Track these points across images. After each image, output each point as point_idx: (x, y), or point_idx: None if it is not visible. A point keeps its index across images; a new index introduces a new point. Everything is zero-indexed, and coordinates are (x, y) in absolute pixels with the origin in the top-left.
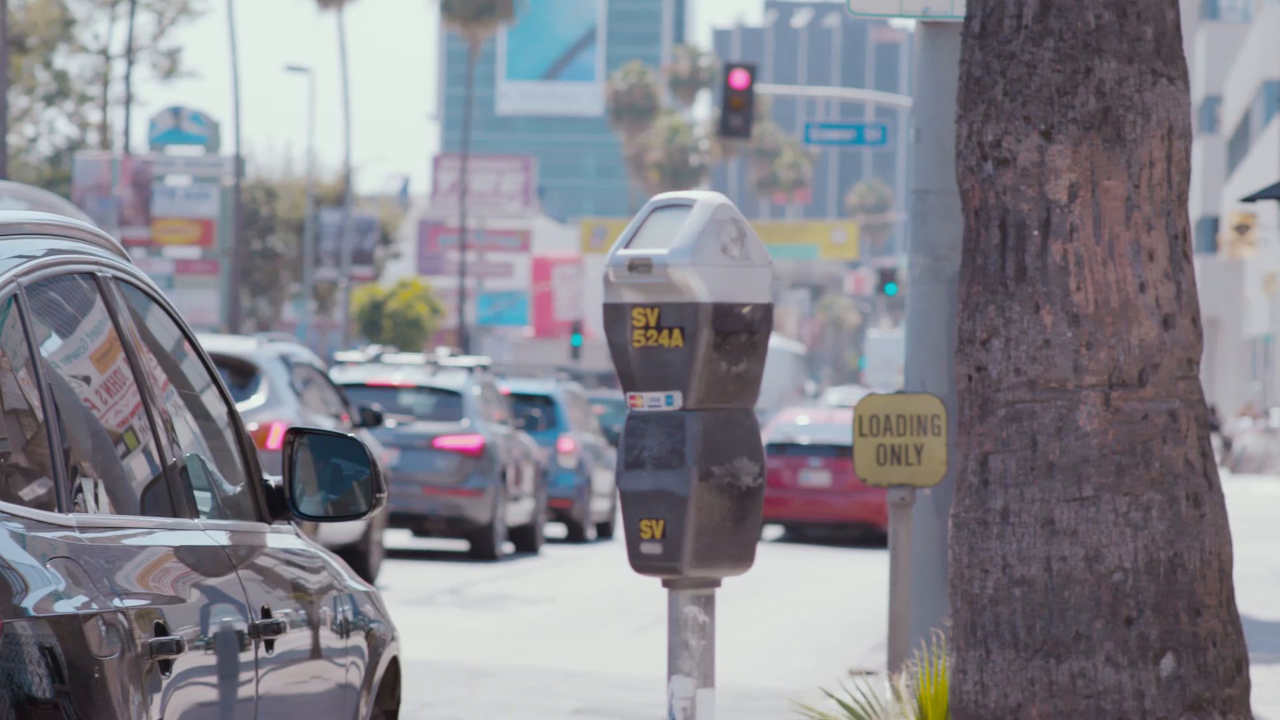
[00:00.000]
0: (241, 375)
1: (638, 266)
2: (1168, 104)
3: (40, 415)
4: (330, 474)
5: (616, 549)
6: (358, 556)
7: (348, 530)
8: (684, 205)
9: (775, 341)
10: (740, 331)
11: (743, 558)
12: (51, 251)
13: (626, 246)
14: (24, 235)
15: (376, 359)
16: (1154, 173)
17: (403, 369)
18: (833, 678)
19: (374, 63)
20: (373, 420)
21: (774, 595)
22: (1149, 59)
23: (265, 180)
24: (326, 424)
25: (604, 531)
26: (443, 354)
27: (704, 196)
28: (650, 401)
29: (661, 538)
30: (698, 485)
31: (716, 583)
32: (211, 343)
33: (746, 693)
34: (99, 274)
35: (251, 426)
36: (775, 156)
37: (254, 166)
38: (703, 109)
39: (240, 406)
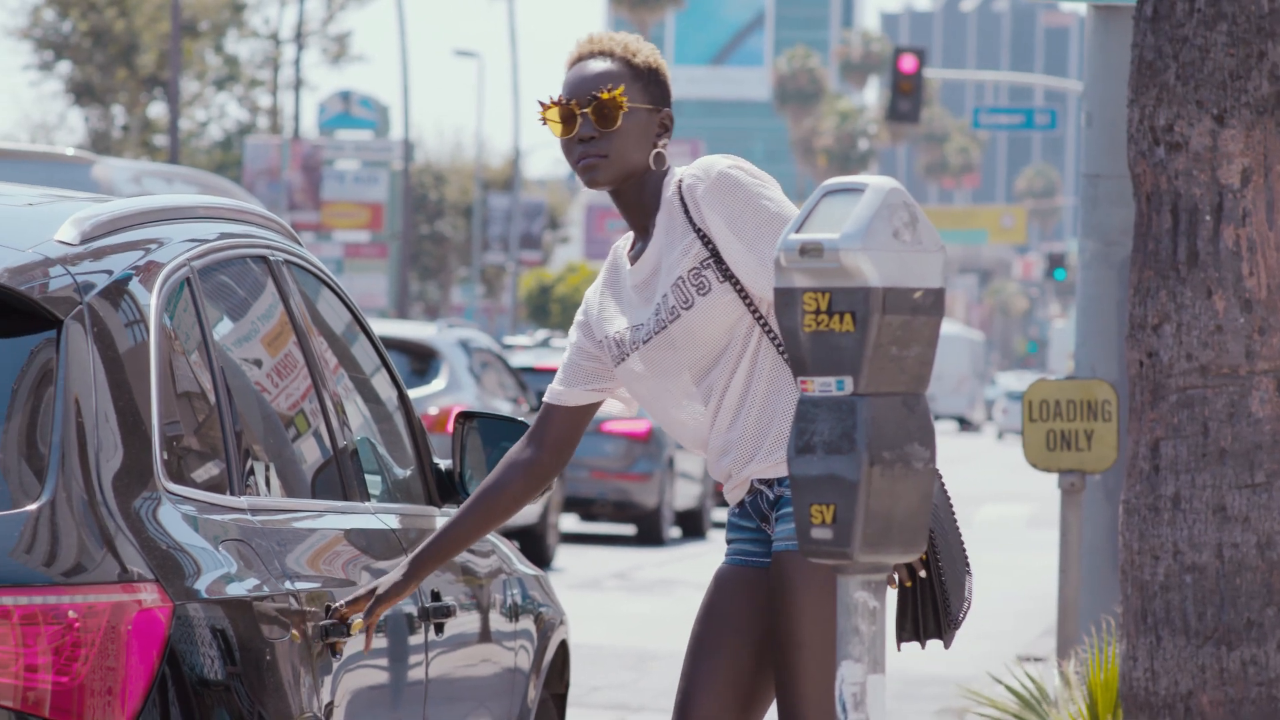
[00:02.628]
0: (422, 360)
1: (809, 251)
2: None
3: (212, 398)
4: (499, 457)
5: None
6: (534, 539)
7: (525, 513)
8: (855, 190)
9: (956, 329)
10: (912, 316)
11: (913, 543)
12: (224, 235)
13: (798, 231)
14: (196, 219)
15: (545, 343)
16: None
17: None
18: (1001, 664)
19: (542, 47)
20: None
21: None
22: None
23: (434, 165)
24: (504, 408)
25: None
26: None
27: (875, 181)
28: (821, 386)
29: (832, 523)
30: (868, 470)
31: (888, 568)
32: (392, 329)
33: (914, 678)
34: (270, 257)
35: (432, 411)
36: (944, 141)
37: (423, 151)
38: (872, 93)
39: (421, 391)
